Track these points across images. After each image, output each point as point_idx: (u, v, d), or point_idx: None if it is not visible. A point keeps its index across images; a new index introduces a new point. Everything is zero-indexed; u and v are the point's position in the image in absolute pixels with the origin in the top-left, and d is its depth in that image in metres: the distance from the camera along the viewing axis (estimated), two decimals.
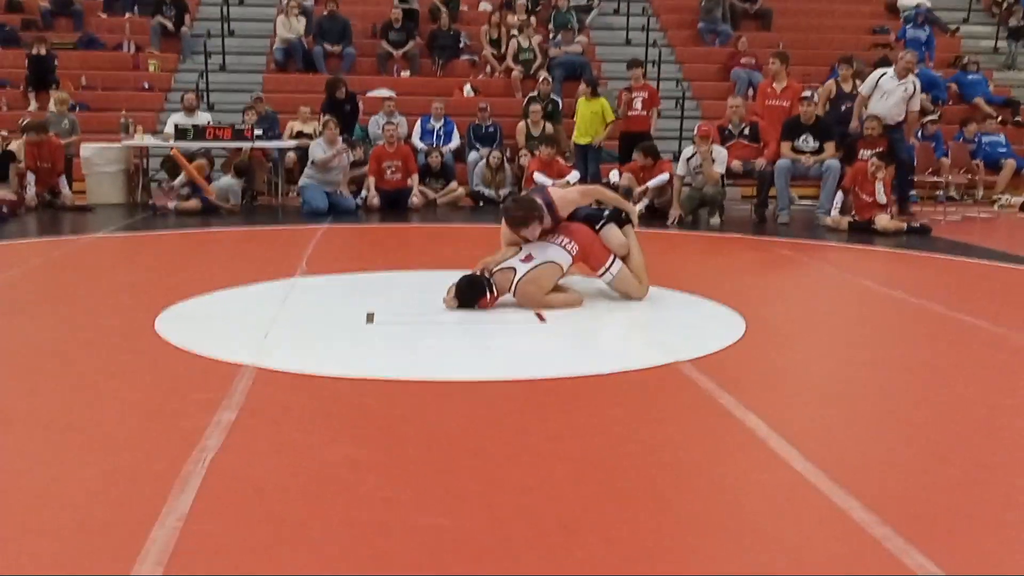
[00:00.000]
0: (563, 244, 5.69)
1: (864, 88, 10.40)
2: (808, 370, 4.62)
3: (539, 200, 5.71)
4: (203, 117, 12.26)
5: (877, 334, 5.45)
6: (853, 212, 9.72)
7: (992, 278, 7.31)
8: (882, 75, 10.24)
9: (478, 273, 5.59)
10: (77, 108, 13.28)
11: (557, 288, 5.67)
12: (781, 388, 4.26)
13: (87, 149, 11.38)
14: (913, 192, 11.27)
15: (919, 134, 10.61)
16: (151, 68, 14.51)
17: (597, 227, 5.88)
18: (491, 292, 5.50)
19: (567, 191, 5.99)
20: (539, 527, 2.73)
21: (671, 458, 3.35)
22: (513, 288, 5.53)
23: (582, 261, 5.82)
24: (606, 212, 6.05)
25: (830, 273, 7.55)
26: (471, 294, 5.50)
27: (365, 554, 2.55)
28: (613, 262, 5.81)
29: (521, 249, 5.68)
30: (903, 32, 15.98)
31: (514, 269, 5.57)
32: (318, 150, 10.77)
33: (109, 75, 14.45)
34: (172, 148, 10.99)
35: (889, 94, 10.03)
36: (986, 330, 5.33)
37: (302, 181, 10.91)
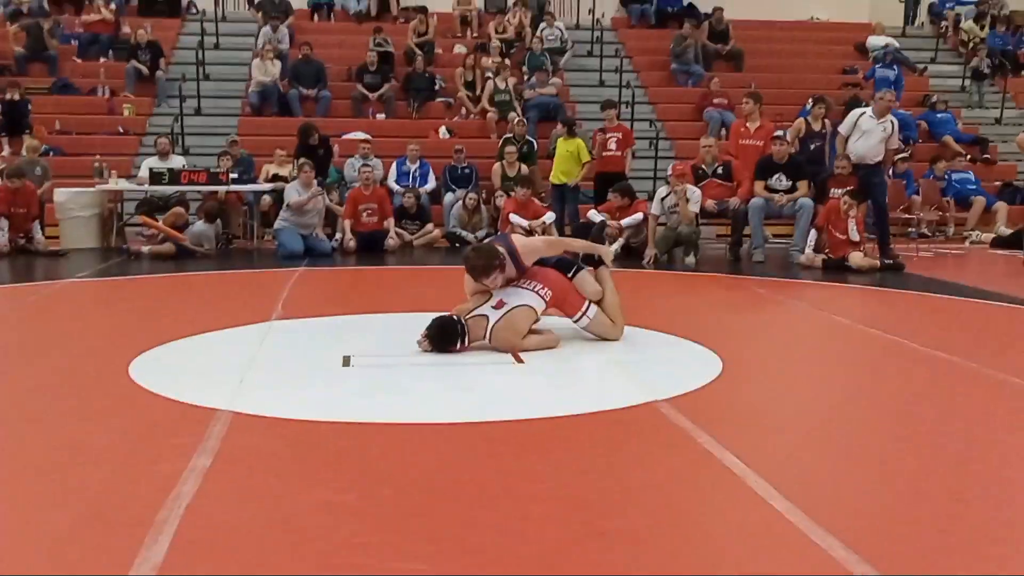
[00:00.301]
0: (536, 289, 5.67)
1: (843, 128, 10.44)
2: (785, 408, 4.63)
3: (501, 248, 5.67)
4: (178, 161, 12.24)
5: (853, 371, 5.48)
6: (827, 250, 9.81)
7: (966, 314, 7.38)
8: (861, 115, 10.29)
9: (453, 317, 5.57)
10: (51, 153, 13.25)
11: (532, 331, 5.65)
12: (758, 426, 4.27)
13: (61, 194, 11.33)
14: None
15: (891, 172, 10.69)
16: (126, 112, 14.50)
17: (570, 274, 5.87)
18: (463, 340, 5.48)
19: (531, 240, 5.98)
20: (518, 568, 2.71)
21: (650, 497, 3.34)
22: (488, 335, 5.51)
23: (556, 307, 5.82)
24: (579, 257, 6.07)
25: (805, 311, 7.59)
26: (443, 340, 5.47)
27: None
28: (588, 307, 5.80)
29: (492, 296, 5.66)
30: (872, 72, 16.25)
31: (486, 316, 5.54)
32: (293, 193, 10.78)
33: (84, 119, 14.43)
34: (140, 216, 10.93)
35: (869, 134, 10.06)
36: (960, 365, 5.36)
37: (277, 224, 10.90)
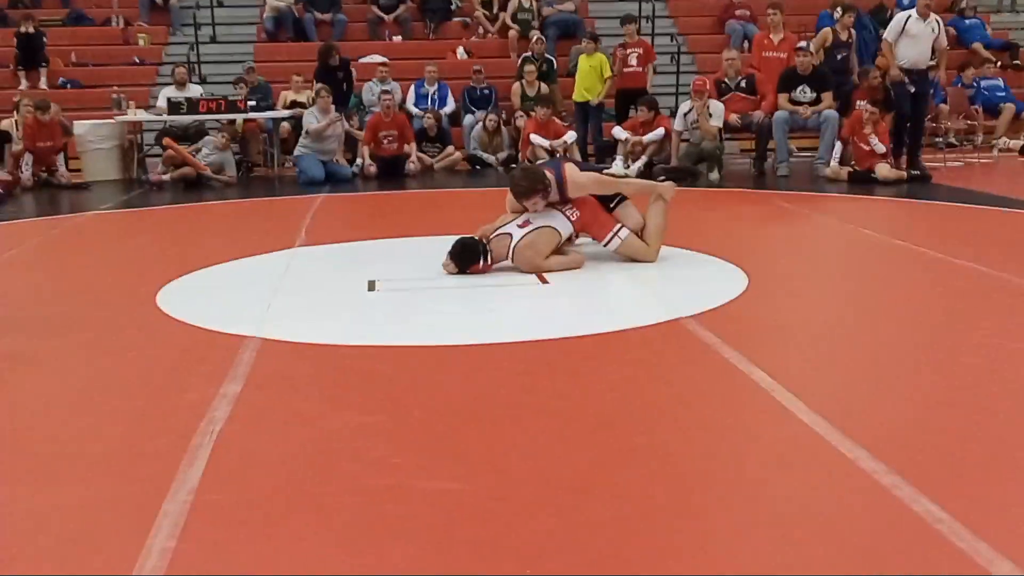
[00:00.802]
0: (564, 211, 5.65)
1: (889, 34, 10.10)
2: (811, 322, 4.62)
3: (549, 174, 5.64)
4: (195, 90, 12.17)
5: (879, 283, 5.44)
6: (853, 162, 9.68)
7: (993, 223, 7.29)
8: (907, 18, 9.94)
9: (476, 238, 5.57)
10: (68, 85, 13.20)
11: (558, 253, 5.63)
12: (785, 341, 4.26)
13: (81, 126, 11.32)
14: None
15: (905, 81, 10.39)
16: (141, 42, 14.40)
17: (612, 204, 5.78)
18: (486, 258, 5.48)
19: (583, 175, 5.73)
20: (548, 487, 2.73)
21: (678, 414, 3.35)
22: (510, 254, 5.51)
23: (585, 230, 5.77)
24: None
25: (831, 224, 7.52)
26: (465, 258, 5.49)
27: (375, 520, 2.56)
28: (619, 229, 5.73)
29: (520, 216, 5.64)
30: None
31: (510, 235, 5.53)
32: (312, 120, 10.70)
33: (99, 50, 14.34)
34: (165, 140, 10.88)
35: (918, 37, 9.76)
36: (989, 275, 5.31)
37: (297, 151, 10.86)
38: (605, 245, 5.79)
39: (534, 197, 5.56)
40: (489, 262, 5.50)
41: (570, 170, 5.71)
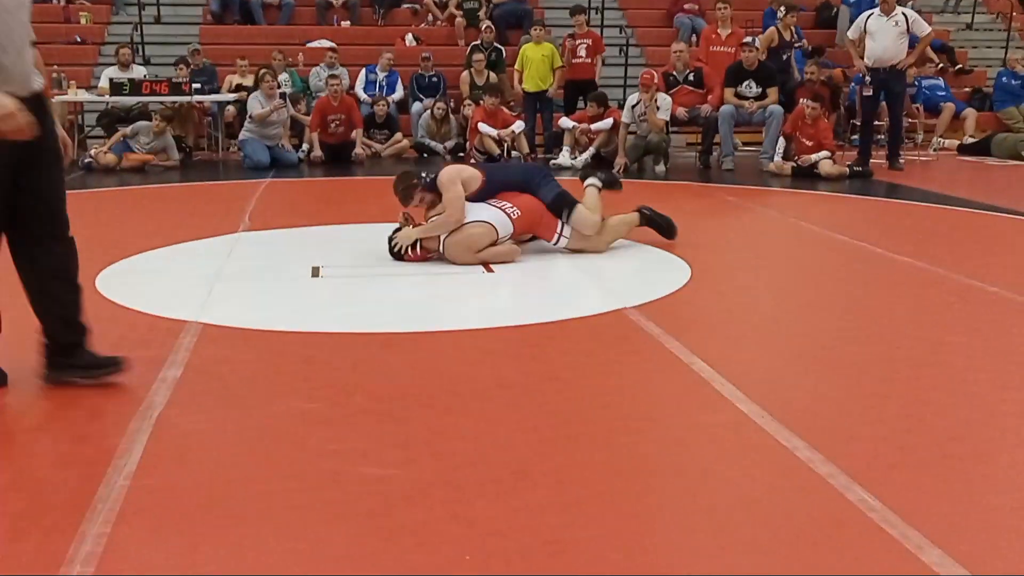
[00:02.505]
0: (503, 207, 5.60)
1: (851, 32, 10.28)
2: (752, 313, 4.68)
3: (479, 173, 5.71)
4: (138, 71, 11.95)
5: (820, 276, 5.53)
6: (796, 157, 9.80)
7: (932, 220, 7.44)
8: (868, 17, 10.09)
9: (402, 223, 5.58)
10: None
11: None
12: (725, 331, 4.31)
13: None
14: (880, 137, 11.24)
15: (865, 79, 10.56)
16: (83, 21, 14.09)
17: (564, 217, 5.70)
18: (414, 247, 5.47)
19: (454, 189, 5.49)
20: (490, 473, 2.74)
21: (619, 402, 3.38)
22: (441, 245, 5.49)
23: (530, 230, 5.75)
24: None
25: (773, 218, 7.62)
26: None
27: (315, 505, 2.54)
28: (562, 228, 5.72)
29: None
30: None
31: None
32: (256, 104, 10.58)
33: (39, 28, 13.77)
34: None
35: (881, 33, 9.89)
36: (926, 270, 5.42)
37: (242, 135, 10.72)
38: (553, 244, 5.78)
39: (416, 194, 5.58)
40: (418, 252, 5.48)
41: (447, 173, 5.61)
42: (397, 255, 5.51)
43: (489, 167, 6.07)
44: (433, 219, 5.50)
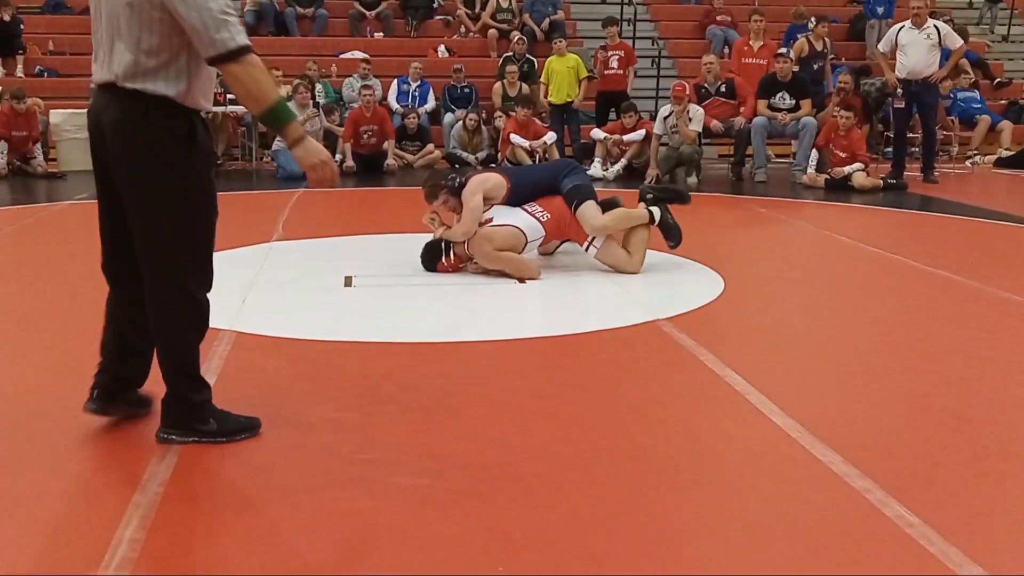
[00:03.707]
0: (533, 211, 5.57)
1: (883, 45, 10.26)
2: (786, 326, 4.64)
3: (503, 178, 5.66)
4: None
5: (853, 289, 5.48)
6: (829, 169, 9.74)
7: (967, 233, 7.35)
8: (899, 29, 10.03)
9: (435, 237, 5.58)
10: (46, 74, 13.06)
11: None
12: (760, 344, 4.28)
13: (57, 115, 11.20)
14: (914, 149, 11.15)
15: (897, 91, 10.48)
16: None
17: (572, 207, 5.57)
18: (448, 255, 5.49)
19: (476, 198, 5.46)
20: (521, 484, 2.73)
21: (653, 414, 3.36)
22: (468, 245, 5.49)
23: (562, 234, 5.71)
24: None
25: (807, 230, 7.57)
26: (428, 258, 5.53)
27: (348, 514, 2.55)
28: (590, 240, 5.64)
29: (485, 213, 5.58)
30: None
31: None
32: None
33: (77, 39, 14.12)
34: None
35: (912, 46, 9.84)
36: (961, 284, 5.36)
37: (275, 146, 10.80)
38: (585, 250, 5.71)
39: (441, 195, 5.58)
40: (452, 258, 5.49)
41: (472, 182, 5.57)
42: (430, 266, 5.52)
43: (515, 171, 6.01)
44: (510, 255, 5.44)
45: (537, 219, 5.55)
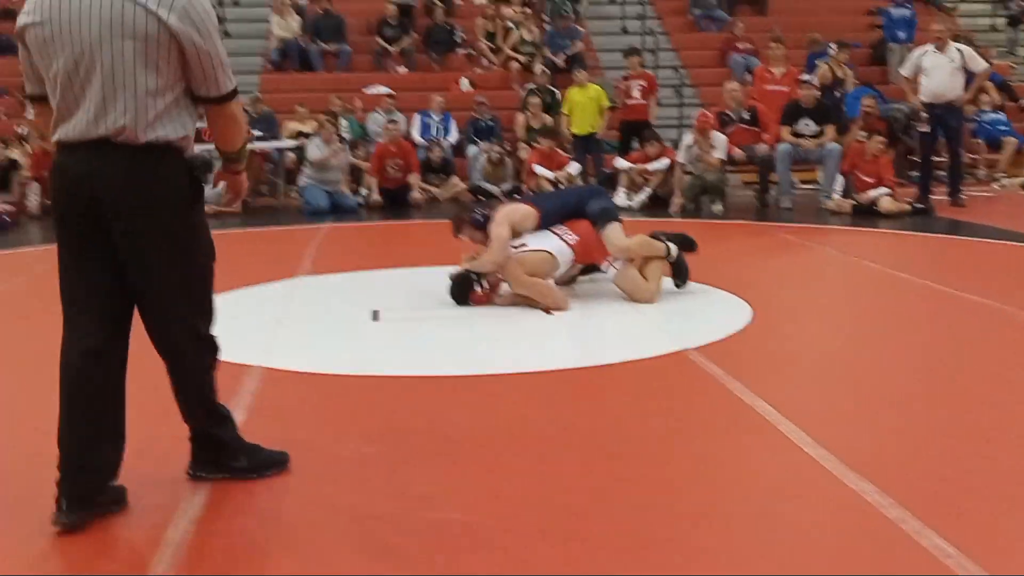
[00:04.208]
0: (562, 234, 5.60)
1: (906, 69, 10.27)
2: (815, 354, 4.61)
3: (531, 208, 5.67)
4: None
5: (883, 316, 5.44)
6: (855, 194, 9.70)
7: (996, 257, 7.29)
8: (923, 53, 10.04)
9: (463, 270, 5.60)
10: None
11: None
12: (789, 373, 4.25)
13: None
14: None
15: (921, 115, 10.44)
16: None
17: (598, 227, 5.61)
18: (481, 285, 5.51)
19: (504, 228, 5.49)
20: (550, 517, 2.72)
21: (681, 445, 3.34)
22: (501, 272, 5.52)
23: (587, 255, 5.73)
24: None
25: (834, 256, 7.53)
26: (461, 290, 5.53)
27: (377, 549, 2.54)
28: (612, 260, 5.70)
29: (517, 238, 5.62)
30: (887, 12, 15.73)
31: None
32: (314, 150, 10.74)
33: None
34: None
35: (936, 69, 9.83)
36: (993, 308, 5.31)
37: (301, 181, 10.90)
38: (605, 271, 5.76)
39: (464, 228, 5.68)
40: (486, 287, 5.50)
41: (499, 214, 5.61)
42: (462, 299, 5.53)
43: (542, 198, 6.04)
44: (539, 281, 5.47)
45: (566, 242, 5.60)
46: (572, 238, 5.61)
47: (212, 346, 2.98)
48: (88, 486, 2.73)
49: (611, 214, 5.71)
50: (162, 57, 2.64)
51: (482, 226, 5.58)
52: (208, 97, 2.77)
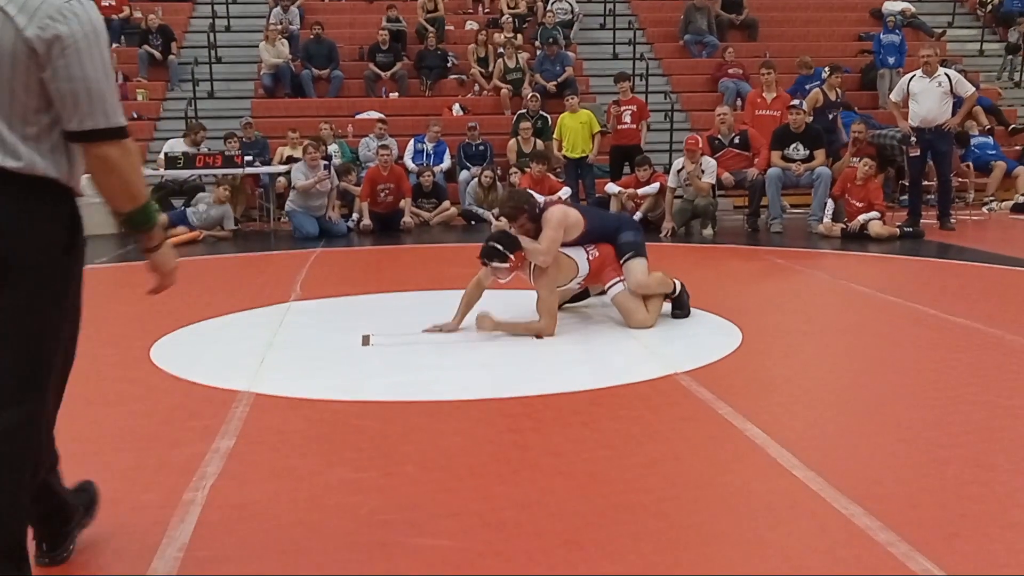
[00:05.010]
0: (585, 247, 5.73)
1: (894, 95, 10.39)
2: (805, 377, 4.62)
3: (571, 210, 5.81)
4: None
5: (873, 339, 5.45)
6: (845, 219, 9.74)
7: (986, 280, 7.32)
8: (911, 79, 10.17)
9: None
10: None
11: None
12: (779, 396, 4.25)
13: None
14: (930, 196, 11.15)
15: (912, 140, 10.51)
16: (139, 97, 14.52)
17: (623, 259, 5.73)
18: (509, 258, 5.44)
19: (553, 230, 5.59)
20: (541, 543, 2.72)
21: (672, 469, 3.34)
22: (531, 267, 5.54)
23: (596, 276, 5.79)
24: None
25: (824, 280, 7.55)
26: (496, 251, 5.43)
27: None
28: (619, 281, 5.72)
29: None
30: (877, 37, 15.86)
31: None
32: (299, 176, 10.73)
33: None
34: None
35: (924, 94, 9.95)
36: (981, 332, 5.33)
37: (287, 207, 10.90)
38: (606, 290, 5.78)
39: (520, 218, 5.67)
40: (515, 260, 5.45)
41: (557, 213, 5.69)
42: (501, 259, 5.44)
43: (592, 214, 6.04)
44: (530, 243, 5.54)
45: (588, 258, 5.72)
46: (593, 253, 5.73)
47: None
48: (54, 523, 2.58)
49: (641, 250, 5.83)
50: (18, 77, 2.15)
51: (536, 219, 5.65)
52: (87, 130, 2.24)
